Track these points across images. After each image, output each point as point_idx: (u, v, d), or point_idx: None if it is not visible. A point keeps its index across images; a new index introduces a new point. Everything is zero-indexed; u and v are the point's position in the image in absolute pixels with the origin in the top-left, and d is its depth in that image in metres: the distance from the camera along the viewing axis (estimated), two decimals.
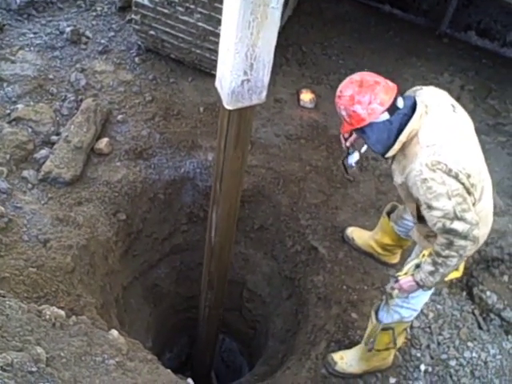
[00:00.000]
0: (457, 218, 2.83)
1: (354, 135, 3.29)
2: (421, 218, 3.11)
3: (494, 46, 6.35)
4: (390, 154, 2.98)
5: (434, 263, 3.02)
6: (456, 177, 2.79)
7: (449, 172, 2.78)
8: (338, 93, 2.93)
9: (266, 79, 2.76)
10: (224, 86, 2.77)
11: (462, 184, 2.82)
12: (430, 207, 2.84)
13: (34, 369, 2.10)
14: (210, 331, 4.56)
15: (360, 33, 6.28)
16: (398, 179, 3.01)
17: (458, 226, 2.84)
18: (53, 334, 2.51)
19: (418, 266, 3.18)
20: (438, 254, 2.98)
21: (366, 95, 2.82)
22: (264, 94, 2.83)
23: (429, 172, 2.77)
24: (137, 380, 2.58)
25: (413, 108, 2.92)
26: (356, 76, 2.92)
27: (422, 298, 3.56)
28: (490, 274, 4.62)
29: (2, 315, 2.39)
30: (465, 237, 2.88)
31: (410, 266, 3.25)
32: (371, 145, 2.98)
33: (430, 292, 3.55)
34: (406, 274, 3.23)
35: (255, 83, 2.74)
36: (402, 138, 2.90)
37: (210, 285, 4.00)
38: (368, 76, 2.91)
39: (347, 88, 2.88)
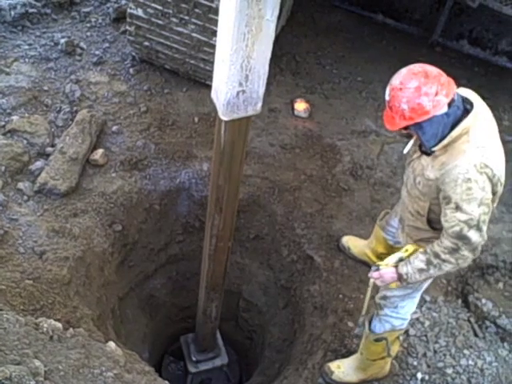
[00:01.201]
0: (477, 227, 2.81)
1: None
2: (431, 220, 3.10)
3: (485, 55, 6.39)
4: (437, 148, 2.85)
5: (428, 263, 2.99)
6: (495, 184, 2.79)
7: (492, 178, 2.76)
8: (397, 85, 2.73)
9: (262, 90, 2.77)
10: (219, 97, 2.78)
11: (495, 193, 2.82)
12: (458, 208, 2.78)
13: (32, 382, 2.09)
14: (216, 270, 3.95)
15: (353, 42, 6.32)
16: (429, 174, 2.90)
17: (473, 235, 2.82)
18: (50, 346, 2.50)
19: (401, 260, 3.17)
20: (437, 256, 2.94)
21: (433, 86, 2.68)
22: (259, 105, 2.83)
23: (475, 173, 2.72)
24: None
25: (463, 104, 2.84)
26: (416, 67, 2.76)
27: (411, 306, 3.57)
28: (485, 282, 4.64)
29: None
30: (473, 249, 2.87)
31: (392, 258, 3.23)
32: (425, 140, 2.83)
33: (417, 300, 3.58)
34: (386, 265, 3.21)
35: (250, 94, 2.75)
36: (455, 133, 2.79)
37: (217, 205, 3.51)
38: (428, 66, 2.77)
39: (410, 79, 2.70)
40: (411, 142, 3.09)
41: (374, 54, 6.21)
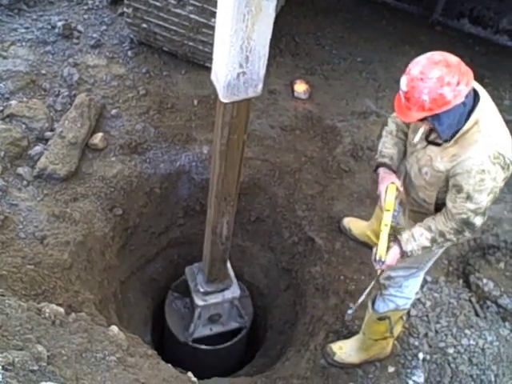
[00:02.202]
0: (482, 214, 2.85)
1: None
2: (437, 205, 3.08)
3: (486, 34, 6.34)
4: (453, 140, 2.80)
5: (433, 241, 3.00)
6: (507, 170, 2.76)
7: (504, 165, 2.73)
8: (417, 75, 2.63)
9: (262, 72, 2.75)
10: (220, 79, 2.76)
11: (505, 178, 2.80)
12: (469, 198, 2.78)
13: (35, 367, 2.09)
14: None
15: (353, 22, 6.26)
16: (439, 165, 2.87)
17: (478, 221, 2.86)
18: (53, 331, 2.51)
19: (395, 238, 3.13)
20: (442, 235, 2.96)
21: (455, 75, 2.59)
22: (260, 86, 2.81)
23: (489, 164, 2.70)
24: (138, 375, 2.58)
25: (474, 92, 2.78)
26: (436, 55, 2.66)
27: (415, 286, 3.58)
28: (487, 262, 4.65)
29: (1, 314, 2.38)
30: (474, 231, 2.93)
31: (383, 242, 3.16)
32: (441, 131, 2.76)
33: (420, 279, 3.59)
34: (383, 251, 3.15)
35: (251, 76, 2.73)
36: (466, 126, 2.75)
37: None
38: (447, 54, 2.68)
39: (432, 69, 2.60)
40: (421, 130, 3.01)
41: (374, 33, 6.16)
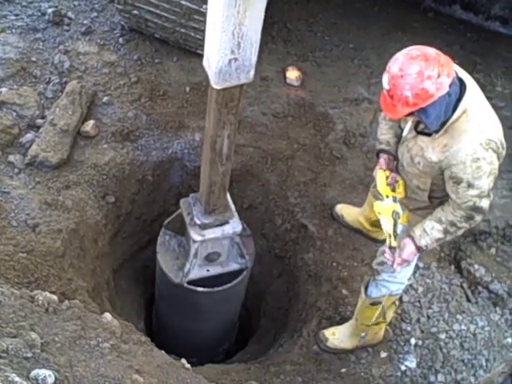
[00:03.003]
0: (487, 196, 2.87)
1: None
2: (432, 191, 3.11)
3: (478, 20, 6.32)
4: (442, 130, 2.81)
5: (445, 232, 3.01)
6: (501, 153, 2.81)
7: (497, 150, 2.77)
8: (397, 73, 2.64)
9: (254, 58, 2.73)
10: (211, 66, 2.74)
11: (500, 158, 2.83)
12: (470, 185, 2.80)
13: (29, 354, 2.09)
14: None
15: (345, 8, 6.23)
16: (431, 156, 2.88)
17: (484, 203, 2.88)
18: (46, 319, 2.50)
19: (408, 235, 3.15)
20: (453, 225, 2.97)
21: (434, 68, 2.60)
22: (252, 72, 2.80)
23: (482, 151, 2.72)
24: (132, 362, 2.58)
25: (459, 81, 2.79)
26: (413, 51, 2.67)
27: (408, 270, 3.60)
28: (478, 248, 4.68)
29: None
30: (483, 213, 2.93)
31: (388, 228, 3.20)
32: (429, 123, 2.77)
33: (413, 264, 3.59)
34: (391, 240, 3.18)
35: (243, 62, 2.72)
36: (457, 113, 2.76)
37: None
38: (425, 48, 2.68)
39: (410, 65, 2.62)
40: (409, 124, 3.05)
41: (366, 20, 6.13)
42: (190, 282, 3.91)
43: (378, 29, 6.04)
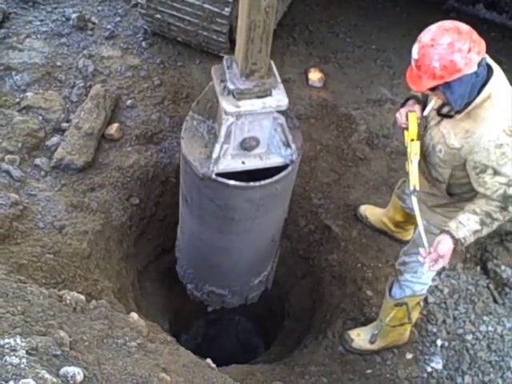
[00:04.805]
0: None
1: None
2: (450, 186, 3.05)
3: (502, 19, 6.27)
4: (469, 108, 2.75)
5: (482, 223, 2.88)
6: None
7: None
8: (428, 42, 2.61)
9: None
10: None
11: None
12: (496, 173, 2.74)
13: (58, 352, 2.11)
14: None
15: (366, 10, 6.21)
16: (454, 142, 2.83)
17: None
18: (74, 318, 2.53)
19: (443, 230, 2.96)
20: (489, 215, 2.87)
21: (466, 42, 2.56)
22: None
23: (506, 137, 2.68)
24: (158, 361, 2.60)
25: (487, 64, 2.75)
26: (447, 23, 2.65)
27: (431, 271, 3.55)
28: (505, 248, 4.63)
29: (24, 301, 2.41)
30: None
31: (415, 170, 3.05)
32: (453, 101, 2.71)
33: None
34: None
35: None
36: (479, 99, 2.72)
37: None
38: (459, 23, 2.65)
39: (442, 35, 2.58)
40: (432, 103, 3.00)
41: (388, 21, 6.12)
42: (220, 175, 3.21)
43: (400, 30, 6.01)
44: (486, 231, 2.94)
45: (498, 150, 2.70)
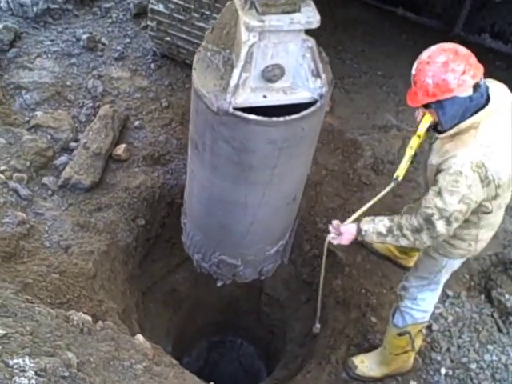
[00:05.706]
0: (447, 220, 2.80)
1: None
2: None
3: (507, 49, 6.32)
4: (452, 131, 2.78)
5: (389, 231, 2.99)
6: (486, 185, 2.74)
7: (483, 178, 2.71)
8: (425, 59, 2.70)
9: None
10: None
11: (484, 194, 2.77)
12: (439, 194, 2.76)
13: (66, 374, 2.11)
14: None
15: (373, 36, 6.28)
16: (433, 160, 2.89)
17: (439, 225, 2.82)
18: (81, 339, 2.53)
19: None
20: (399, 228, 2.95)
21: (461, 64, 2.61)
22: None
23: (468, 169, 2.69)
24: None
25: (486, 94, 2.78)
26: (447, 44, 2.73)
27: (430, 299, 3.57)
28: (509, 277, 4.60)
29: (32, 321, 2.41)
30: (432, 237, 2.88)
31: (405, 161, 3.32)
32: (444, 121, 2.76)
33: (438, 293, 3.58)
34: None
35: None
36: (463, 125, 2.75)
37: None
38: (459, 46, 2.71)
39: (439, 54, 2.66)
40: (427, 124, 3.15)
41: (395, 48, 6.17)
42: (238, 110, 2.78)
43: (406, 57, 5.98)
44: (390, 240, 3.03)
45: (455, 175, 2.71)
